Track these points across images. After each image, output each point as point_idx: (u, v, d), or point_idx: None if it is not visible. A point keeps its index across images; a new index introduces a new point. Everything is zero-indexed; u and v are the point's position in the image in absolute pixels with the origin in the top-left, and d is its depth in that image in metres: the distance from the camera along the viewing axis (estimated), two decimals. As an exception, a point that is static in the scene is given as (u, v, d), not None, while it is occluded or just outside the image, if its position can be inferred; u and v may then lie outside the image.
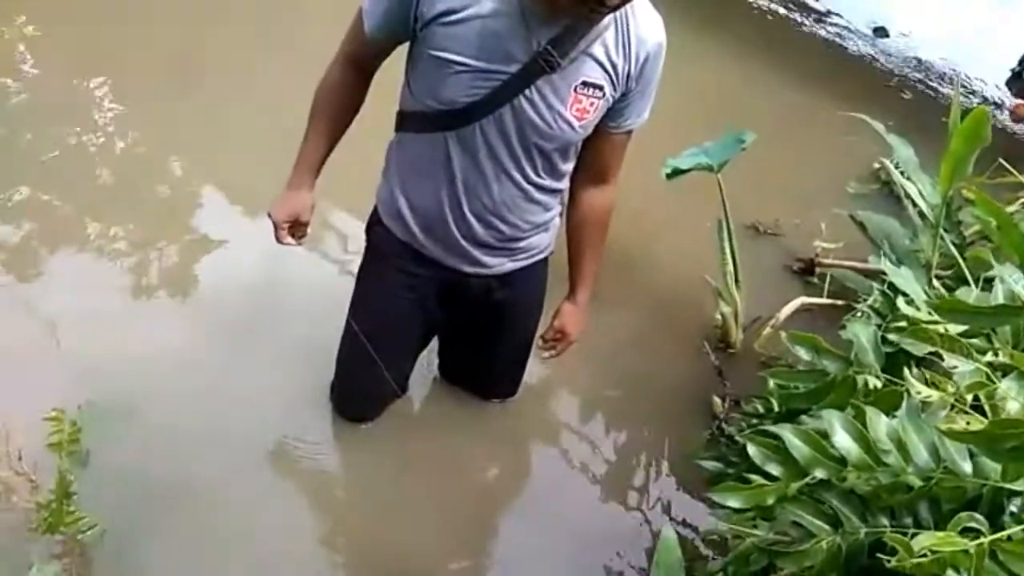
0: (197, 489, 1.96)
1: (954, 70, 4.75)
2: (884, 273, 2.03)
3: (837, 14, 5.12)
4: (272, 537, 1.93)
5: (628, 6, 1.40)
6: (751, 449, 1.45)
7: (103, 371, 2.15)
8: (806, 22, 4.99)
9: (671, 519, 2.13)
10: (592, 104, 1.53)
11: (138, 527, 1.85)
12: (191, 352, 2.27)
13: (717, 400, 2.44)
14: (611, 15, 1.42)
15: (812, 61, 4.52)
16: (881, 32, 5.01)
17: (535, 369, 2.29)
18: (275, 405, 2.18)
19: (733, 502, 1.45)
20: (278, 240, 1.79)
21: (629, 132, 1.66)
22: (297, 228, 1.81)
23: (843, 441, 1.39)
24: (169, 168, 2.93)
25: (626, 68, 1.52)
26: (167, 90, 3.23)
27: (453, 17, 1.43)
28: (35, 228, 2.57)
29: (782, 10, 5.03)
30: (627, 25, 1.48)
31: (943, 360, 1.30)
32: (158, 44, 3.51)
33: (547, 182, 1.68)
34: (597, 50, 1.48)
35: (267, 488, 2.02)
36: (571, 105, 1.52)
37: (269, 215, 1.77)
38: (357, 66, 1.66)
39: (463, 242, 1.75)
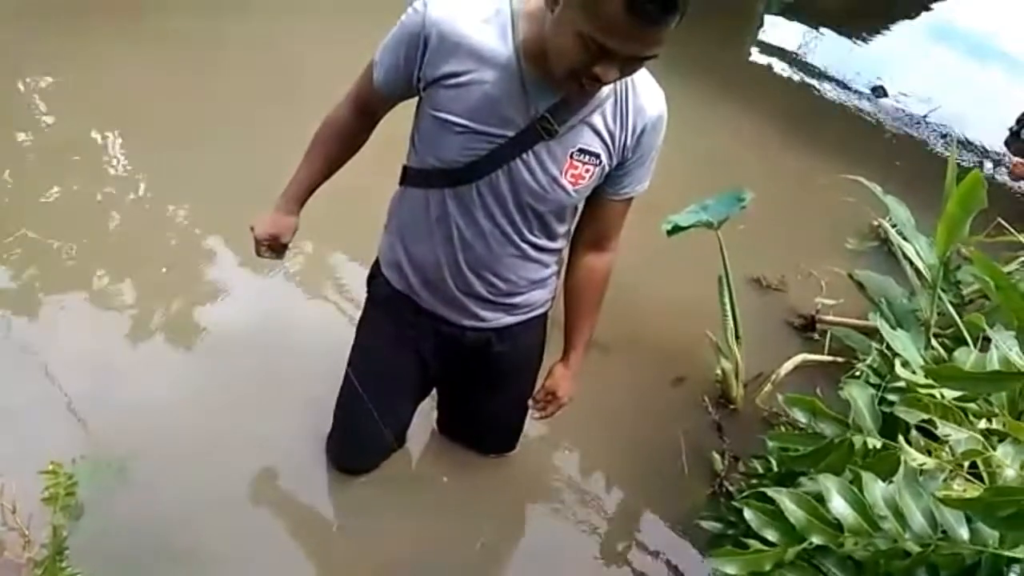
0: (191, 545, 1.94)
1: (951, 130, 4.80)
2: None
3: (837, 74, 5.21)
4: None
5: (629, 78, 1.42)
6: (748, 514, 1.44)
7: (101, 424, 2.15)
8: (810, 82, 5.07)
9: (669, 578, 2.10)
10: (588, 171, 1.55)
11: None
12: (189, 406, 2.27)
13: (717, 457, 2.42)
14: (611, 86, 1.44)
15: (813, 119, 4.58)
16: (880, 92, 5.08)
17: (533, 424, 2.27)
18: (271, 458, 2.17)
19: (730, 568, 1.43)
20: (257, 253, 1.83)
21: (629, 200, 1.67)
22: (276, 246, 1.84)
23: (839, 506, 1.38)
24: (171, 219, 2.96)
25: (623, 138, 1.53)
26: (171, 141, 3.29)
27: (455, 80, 1.45)
28: (36, 276, 2.59)
29: (787, 73, 5.12)
30: (627, 96, 1.50)
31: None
32: (164, 96, 3.58)
33: (542, 242, 1.69)
34: (595, 119, 1.50)
35: (262, 545, 2.00)
36: (566, 171, 1.53)
37: (251, 228, 1.80)
38: (363, 110, 1.69)
39: (460, 296, 1.76)
